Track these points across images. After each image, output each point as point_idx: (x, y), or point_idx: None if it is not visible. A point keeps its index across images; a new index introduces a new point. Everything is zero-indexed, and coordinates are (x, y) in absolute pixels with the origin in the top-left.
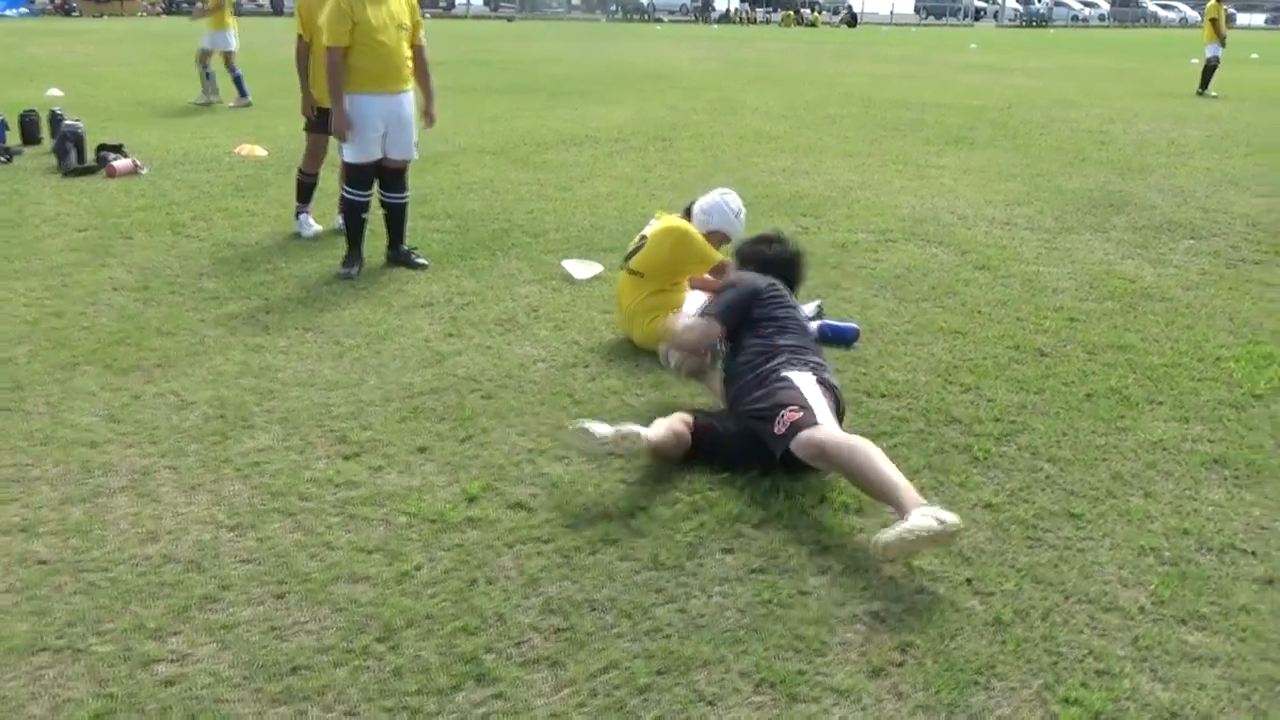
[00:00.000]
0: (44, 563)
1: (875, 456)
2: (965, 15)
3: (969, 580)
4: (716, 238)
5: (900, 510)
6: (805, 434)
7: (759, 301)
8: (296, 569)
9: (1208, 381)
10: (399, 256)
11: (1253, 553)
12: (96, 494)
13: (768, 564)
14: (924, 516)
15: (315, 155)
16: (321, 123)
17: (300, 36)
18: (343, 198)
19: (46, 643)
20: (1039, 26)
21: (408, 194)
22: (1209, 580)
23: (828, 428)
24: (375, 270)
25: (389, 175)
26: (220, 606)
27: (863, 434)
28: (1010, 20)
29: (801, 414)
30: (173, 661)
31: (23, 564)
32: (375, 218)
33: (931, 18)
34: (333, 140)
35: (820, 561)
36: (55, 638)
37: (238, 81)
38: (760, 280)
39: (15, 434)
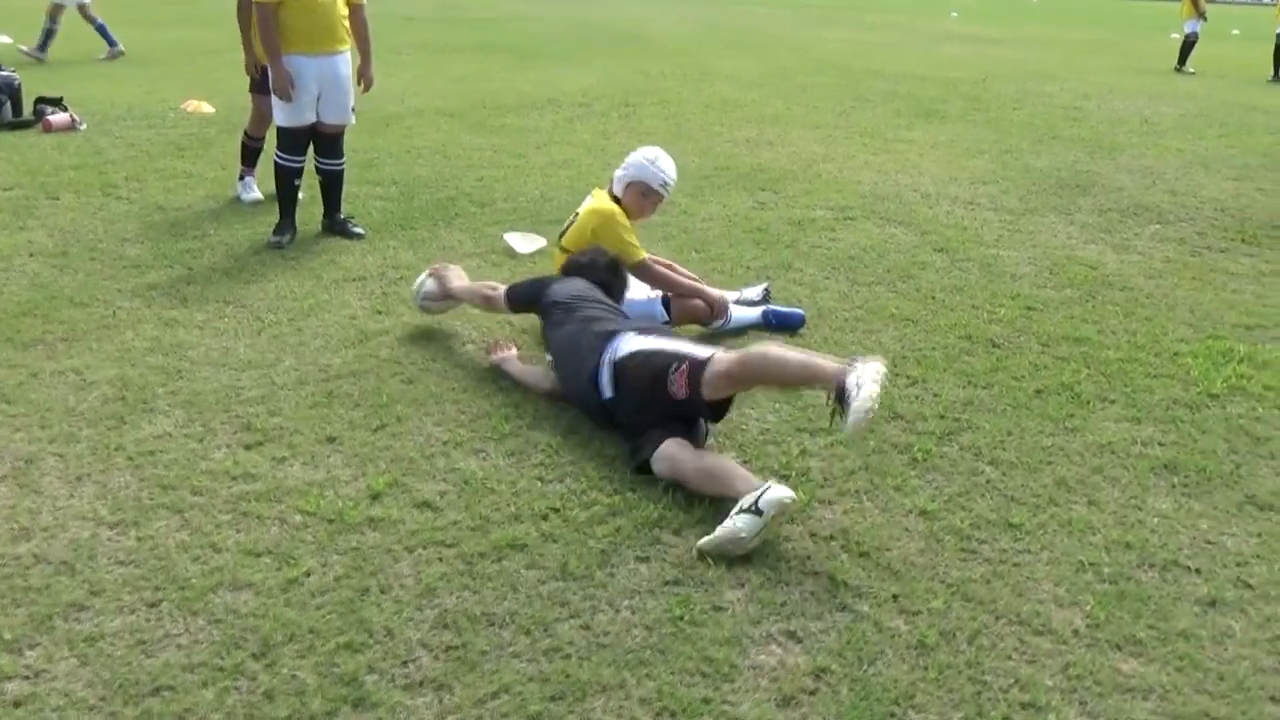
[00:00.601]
0: None
1: (783, 354)
2: None
3: (895, 597)
4: (637, 189)
5: (832, 384)
6: (706, 376)
7: (547, 289)
8: (176, 574)
9: (1163, 379)
10: (334, 225)
11: (1197, 570)
12: None
13: (684, 575)
14: (859, 395)
15: (261, 118)
16: (266, 83)
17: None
18: (275, 163)
19: None
20: None
21: (344, 160)
22: (1149, 601)
23: (716, 357)
24: (309, 239)
25: (324, 141)
26: (87, 615)
27: (799, 430)
28: None
29: (686, 364)
30: (26, 679)
31: None
32: (314, 184)
33: None
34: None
35: (740, 573)
36: None
37: (101, 30)
38: (561, 279)
39: None
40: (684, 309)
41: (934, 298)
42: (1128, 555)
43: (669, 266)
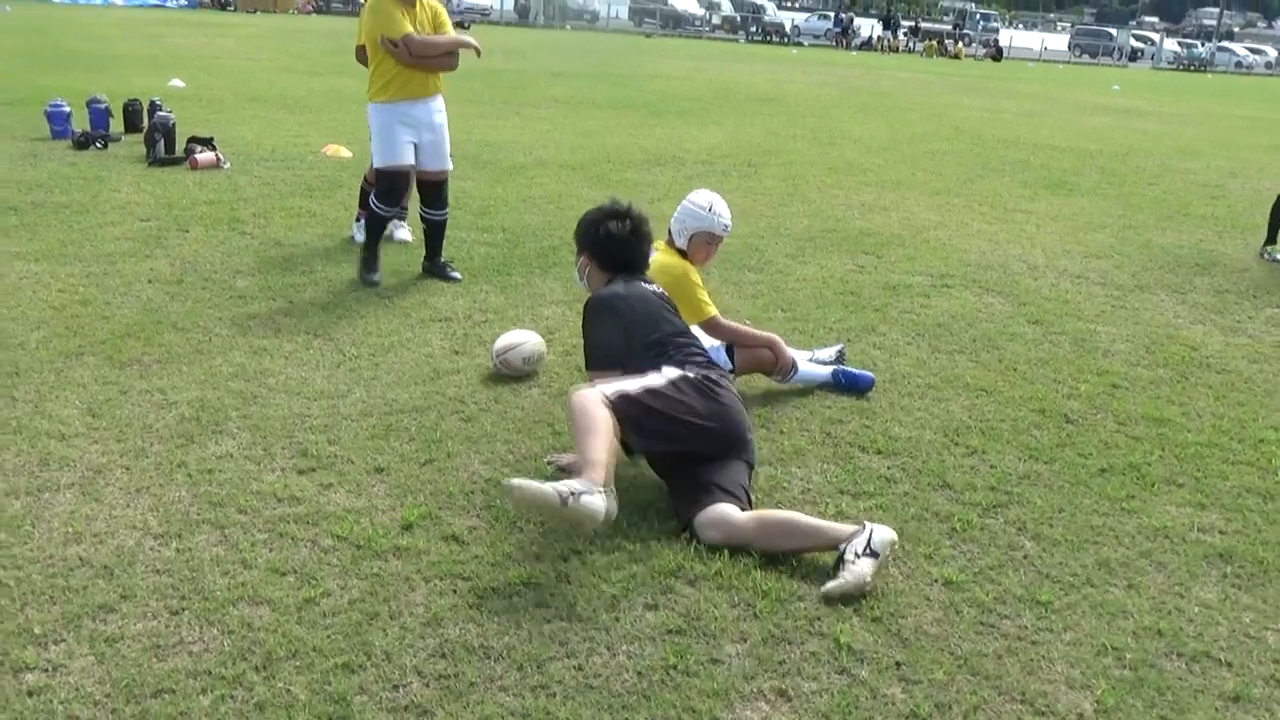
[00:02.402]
0: None
1: (794, 524)
2: (1120, 55)
3: (898, 664)
4: (702, 238)
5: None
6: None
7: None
8: (203, 585)
9: (1240, 466)
10: (434, 268)
11: (1228, 664)
12: (43, 489)
13: (688, 625)
14: (856, 562)
15: None
16: None
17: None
18: (370, 208)
19: None
20: (1197, 71)
21: (447, 210)
22: (1167, 691)
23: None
24: (408, 280)
25: (429, 191)
26: (113, 618)
27: (841, 492)
28: (1168, 63)
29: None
30: (44, 671)
31: None
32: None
33: (1086, 56)
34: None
35: (744, 628)
36: None
37: None
38: (601, 307)
39: None
40: (750, 358)
41: (1015, 369)
42: (1156, 642)
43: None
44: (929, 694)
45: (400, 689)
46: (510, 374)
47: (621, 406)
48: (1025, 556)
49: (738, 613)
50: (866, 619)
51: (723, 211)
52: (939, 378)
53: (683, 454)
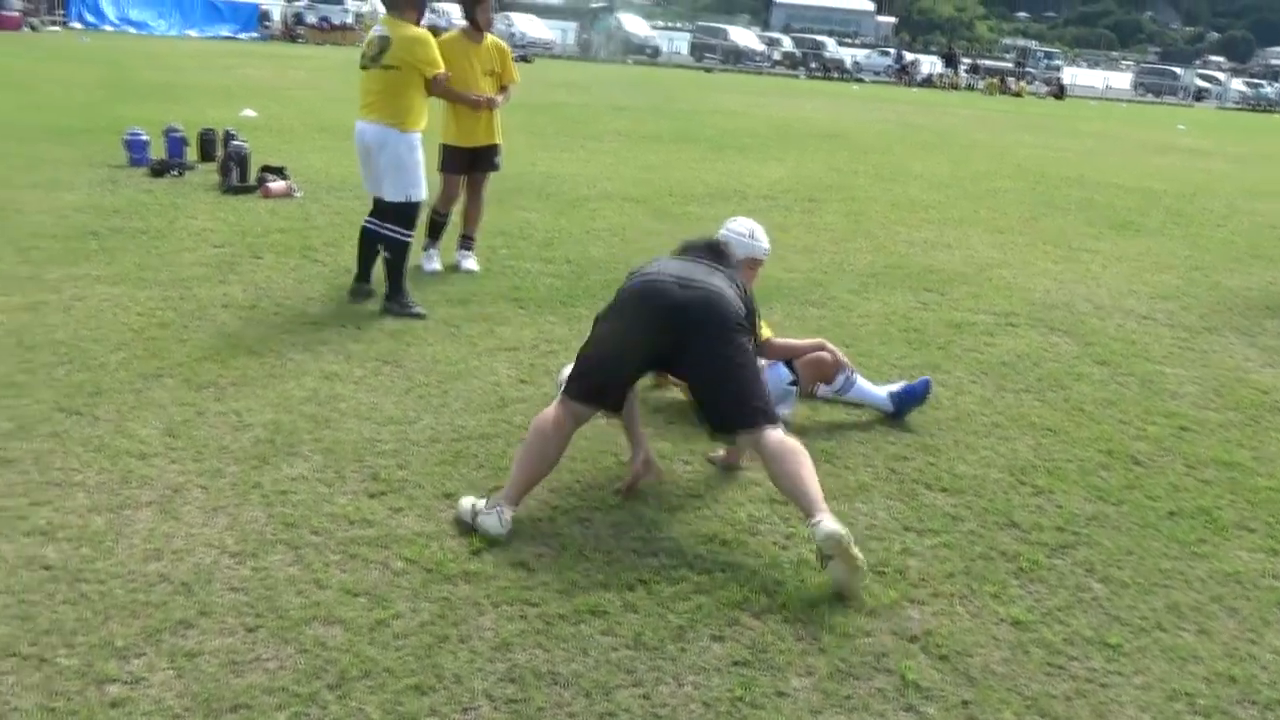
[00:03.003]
0: (49, 568)
1: (786, 466)
2: (1186, 94)
3: (965, 703)
4: (746, 264)
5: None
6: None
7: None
8: (278, 604)
9: None
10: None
11: None
12: (124, 506)
13: (754, 657)
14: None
15: (449, 195)
16: (453, 163)
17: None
18: (403, 242)
19: (17, 649)
20: (1265, 111)
21: None
22: None
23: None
24: (471, 310)
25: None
26: (192, 633)
27: (906, 529)
28: (1234, 103)
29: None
30: (126, 683)
31: (29, 567)
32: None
33: (1150, 95)
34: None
35: (810, 662)
36: (28, 645)
37: None
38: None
39: (77, 439)
40: (811, 368)
41: (1082, 409)
42: (1229, 689)
43: None
44: None
45: (470, 711)
46: None
47: (572, 390)
48: (1094, 598)
49: (804, 646)
50: (934, 656)
51: (762, 237)
52: (1004, 416)
53: (656, 362)
